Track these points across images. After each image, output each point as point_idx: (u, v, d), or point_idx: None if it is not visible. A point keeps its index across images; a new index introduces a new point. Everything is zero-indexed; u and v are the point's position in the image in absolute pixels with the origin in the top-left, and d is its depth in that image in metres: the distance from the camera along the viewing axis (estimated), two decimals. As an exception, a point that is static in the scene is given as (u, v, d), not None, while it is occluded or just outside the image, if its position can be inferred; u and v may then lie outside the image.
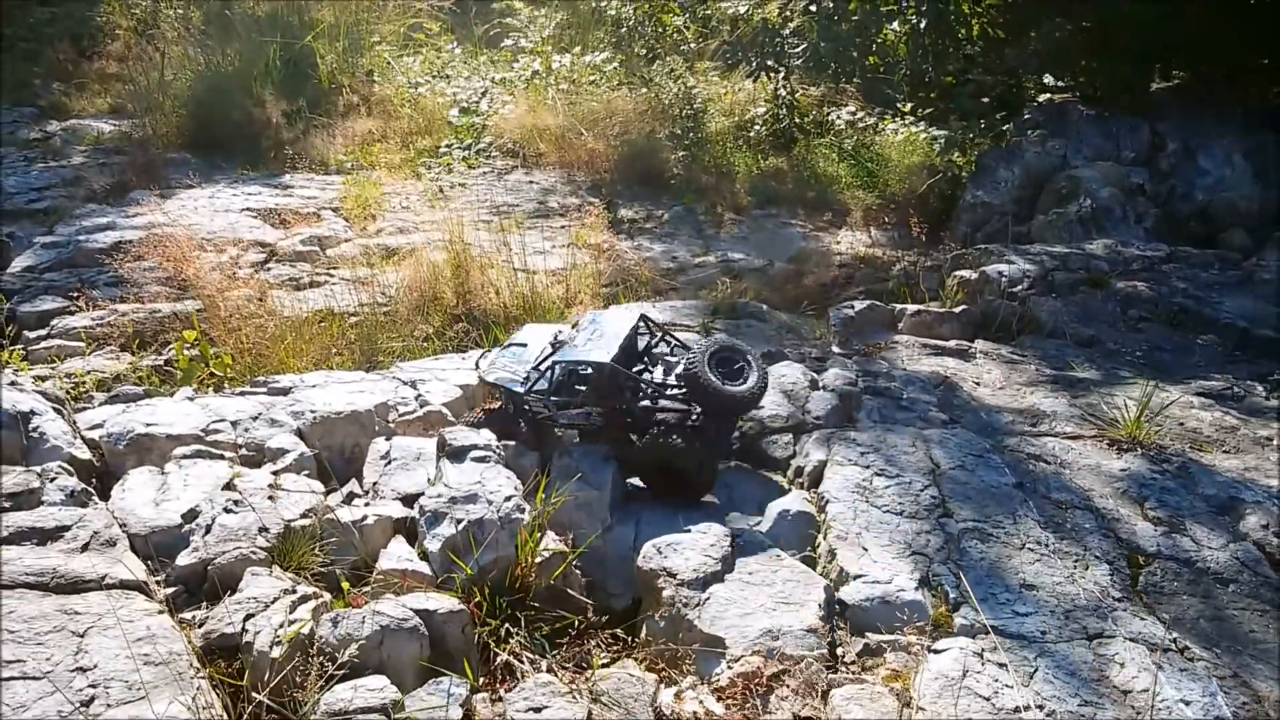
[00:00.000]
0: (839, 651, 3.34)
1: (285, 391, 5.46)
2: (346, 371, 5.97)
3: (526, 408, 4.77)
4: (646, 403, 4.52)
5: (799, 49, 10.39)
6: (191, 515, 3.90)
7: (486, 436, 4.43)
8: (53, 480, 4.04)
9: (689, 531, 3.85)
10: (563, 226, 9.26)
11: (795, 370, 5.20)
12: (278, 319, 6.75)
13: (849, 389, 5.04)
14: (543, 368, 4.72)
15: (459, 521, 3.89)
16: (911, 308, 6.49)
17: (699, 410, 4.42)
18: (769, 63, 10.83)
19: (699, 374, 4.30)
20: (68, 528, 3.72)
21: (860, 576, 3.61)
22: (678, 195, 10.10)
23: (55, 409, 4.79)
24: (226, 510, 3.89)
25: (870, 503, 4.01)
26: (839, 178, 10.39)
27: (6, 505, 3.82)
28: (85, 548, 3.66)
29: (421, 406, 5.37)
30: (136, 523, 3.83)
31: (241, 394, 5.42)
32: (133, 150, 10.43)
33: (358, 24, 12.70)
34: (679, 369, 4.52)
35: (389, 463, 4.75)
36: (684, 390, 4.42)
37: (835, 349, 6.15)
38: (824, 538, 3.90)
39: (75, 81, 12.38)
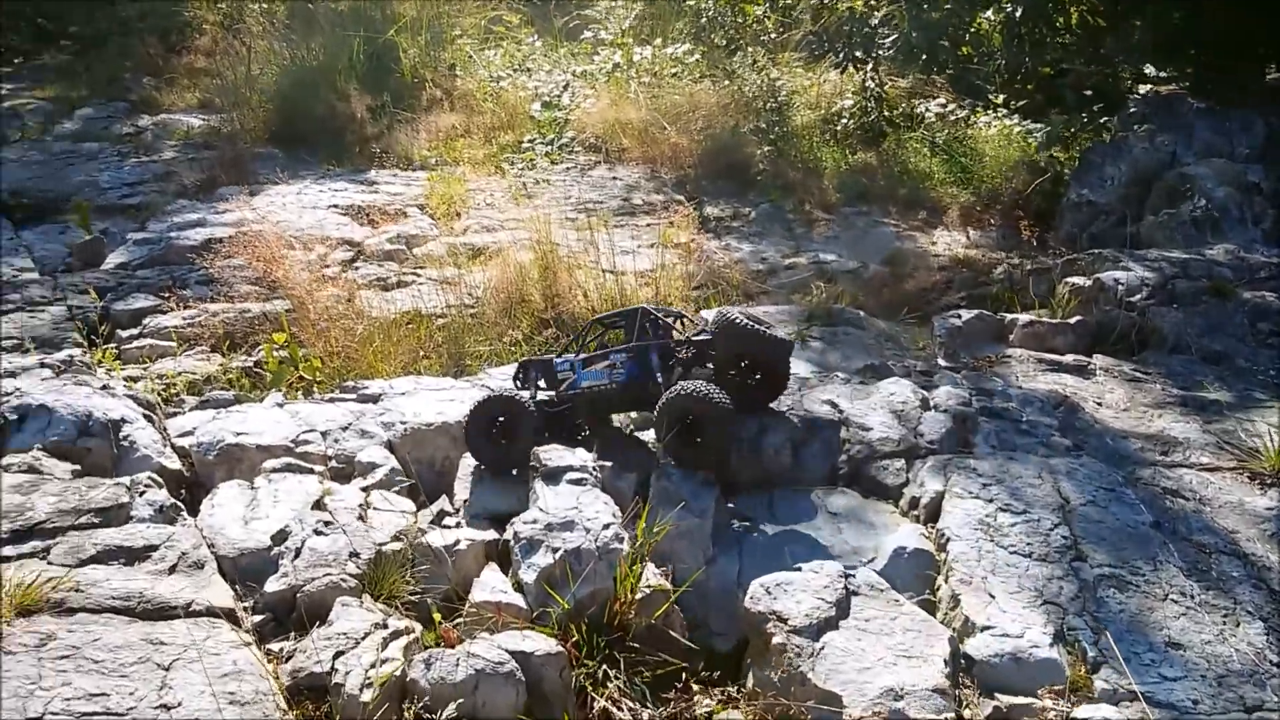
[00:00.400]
0: (966, 715, 3.05)
1: (375, 399, 5.31)
2: (435, 377, 5.80)
3: (557, 374, 4.63)
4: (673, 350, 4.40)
5: (889, 39, 9.98)
6: (281, 536, 3.74)
7: (583, 457, 4.20)
8: (141, 494, 3.91)
9: (799, 570, 3.57)
10: (648, 225, 9.01)
11: (904, 388, 4.87)
12: (366, 320, 6.62)
13: (963, 410, 4.70)
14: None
15: (555, 551, 3.67)
16: (1023, 318, 6.10)
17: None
18: (856, 54, 10.45)
19: (734, 318, 4.23)
20: (155, 547, 3.59)
21: (988, 628, 3.31)
22: (764, 192, 9.77)
23: (146, 415, 4.69)
24: (317, 532, 3.72)
25: (995, 542, 3.69)
26: (931, 174, 9.96)
27: (95, 521, 3.70)
28: (173, 569, 3.52)
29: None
30: (225, 543, 3.69)
31: (331, 400, 5.27)
32: (221, 145, 10.43)
33: (439, 17, 12.57)
34: (714, 324, 4.40)
35: (480, 479, 4.55)
36: (713, 337, 4.34)
37: (941, 362, 5.80)
38: (945, 580, 3.59)
39: (165, 77, 12.45)
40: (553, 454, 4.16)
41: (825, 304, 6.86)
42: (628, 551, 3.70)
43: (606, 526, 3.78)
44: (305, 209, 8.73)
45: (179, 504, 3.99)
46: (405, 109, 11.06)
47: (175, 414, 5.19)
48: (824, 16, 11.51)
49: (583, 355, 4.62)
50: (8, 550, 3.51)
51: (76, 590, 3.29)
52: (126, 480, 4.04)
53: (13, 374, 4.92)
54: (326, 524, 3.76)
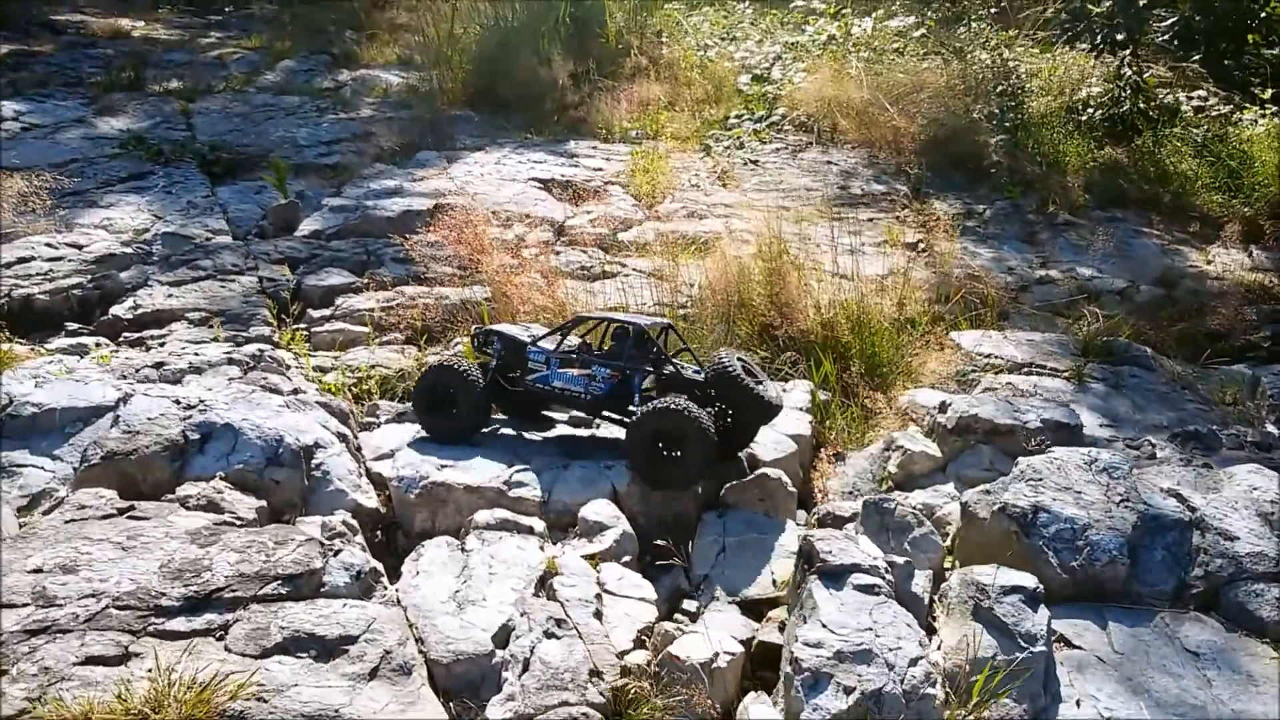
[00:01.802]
0: None
1: (589, 424, 4.46)
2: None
3: (529, 361, 4.23)
4: (668, 370, 4.14)
5: (1166, 22, 8.45)
6: (503, 636, 2.89)
7: (869, 550, 3.20)
8: (336, 553, 3.13)
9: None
10: (870, 219, 7.86)
11: (1271, 482, 3.68)
12: (569, 314, 5.76)
13: (1362, 521, 3.50)
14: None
15: (848, 691, 2.71)
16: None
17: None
18: (1117, 36, 8.96)
19: (728, 367, 3.94)
20: (353, 639, 2.79)
21: None
22: (999, 187, 8.47)
23: (340, 435, 3.94)
24: (548, 634, 2.86)
25: None
26: (1195, 177, 8.44)
27: (283, 591, 2.94)
28: (374, 673, 2.72)
29: (751, 468, 4.23)
30: (437, 640, 2.86)
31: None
32: (418, 105, 9.78)
33: (648, -22, 11.59)
34: (710, 366, 4.09)
35: (722, 549, 3.63)
36: (708, 384, 4.01)
37: (1273, 428, 4.55)
38: None
39: (367, 32, 11.90)
40: (831, 543, 3.18)
41: (1102, 335, 5.65)
42: (940, 696, 2.72)
43: (914, 662, 2.79)
44: (504, 181, 7.94)
45: (378, 568, 3.21)
46: (607, 76, 10.15)
47: (370, 424, 4.45)
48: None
49: (559, 350, 4.27)
50: (180, 623, 2.78)
51: (259, 699, 2.52)
52: (318, 532, 3.28)
53: (198, 370, 4.25)
54: (559, 623, 2.89)
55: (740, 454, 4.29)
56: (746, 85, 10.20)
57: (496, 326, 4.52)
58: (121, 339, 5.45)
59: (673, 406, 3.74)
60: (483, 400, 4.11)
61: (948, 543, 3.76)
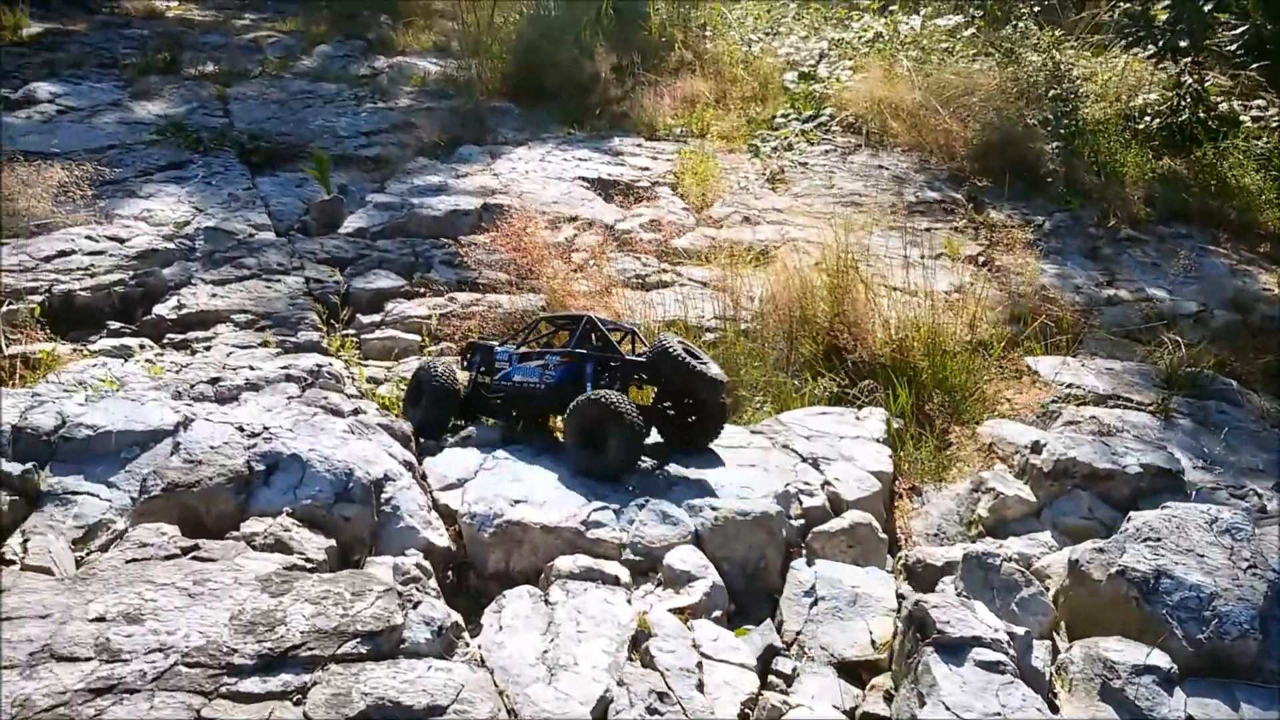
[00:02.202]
0: None
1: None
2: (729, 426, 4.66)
3: (495, 362, 4.46)
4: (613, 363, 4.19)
5: (1235, 31, 8.13)
6: (602, 709, 2.65)
7: (989, 621, 2.95)
8: (415, 606, 2.90)
9: None
10: (926, 228, 7.57)
11: None
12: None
13: None
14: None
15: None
16: None
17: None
18: (1180, 43, 8.63)
19: (669, 348, 3.97)
20: (442, 709, 2.55)
21: None
22: (1057, 198, 8.18)
23: (407, 464, 3.70)
24: (650, 710, 2.62)
25: None
26: (1258, 192, 8.13)
27: (363, 650, 2.70)
28: (465, 751, 2.49)
29: (834, 508, 3.99)
30: (532, 715, 2.61)
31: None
32: (457, 95, 9.52)
33: (691, -31, 11.26)
34: (650, 349, 4.13)
35: (814, 602, 3.40)
36: (649, 365, 4.06)
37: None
38: None
39: (403, 19, 11.61)
40: (949, 612, 2.93)
41: (1185, 366, 5.37)
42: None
43: (1052, 756, 2.55)
44: (550, 179, 7.68)
45: (459, 621, 2.97)
46: (650, 70, 9.86)
47: (433, 447, 4.21)
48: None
49: (522, 349, 4.50)
50: (254, 684, 2.55)
51: (345, 784, 2.29)
52: (391, 576, 3.06)
53: (255, 387, 4.02)
54: (661, 697, 2.65)
55: (711, 444, 4.26)
56: (792, 83, 9.90)
57: (475, 340, 4.76)
58: (165, 340, 5.22)
59: (594, 398, 3.80)
60: (446, 400, 4.29)
61: (1048, 597, 3.51)
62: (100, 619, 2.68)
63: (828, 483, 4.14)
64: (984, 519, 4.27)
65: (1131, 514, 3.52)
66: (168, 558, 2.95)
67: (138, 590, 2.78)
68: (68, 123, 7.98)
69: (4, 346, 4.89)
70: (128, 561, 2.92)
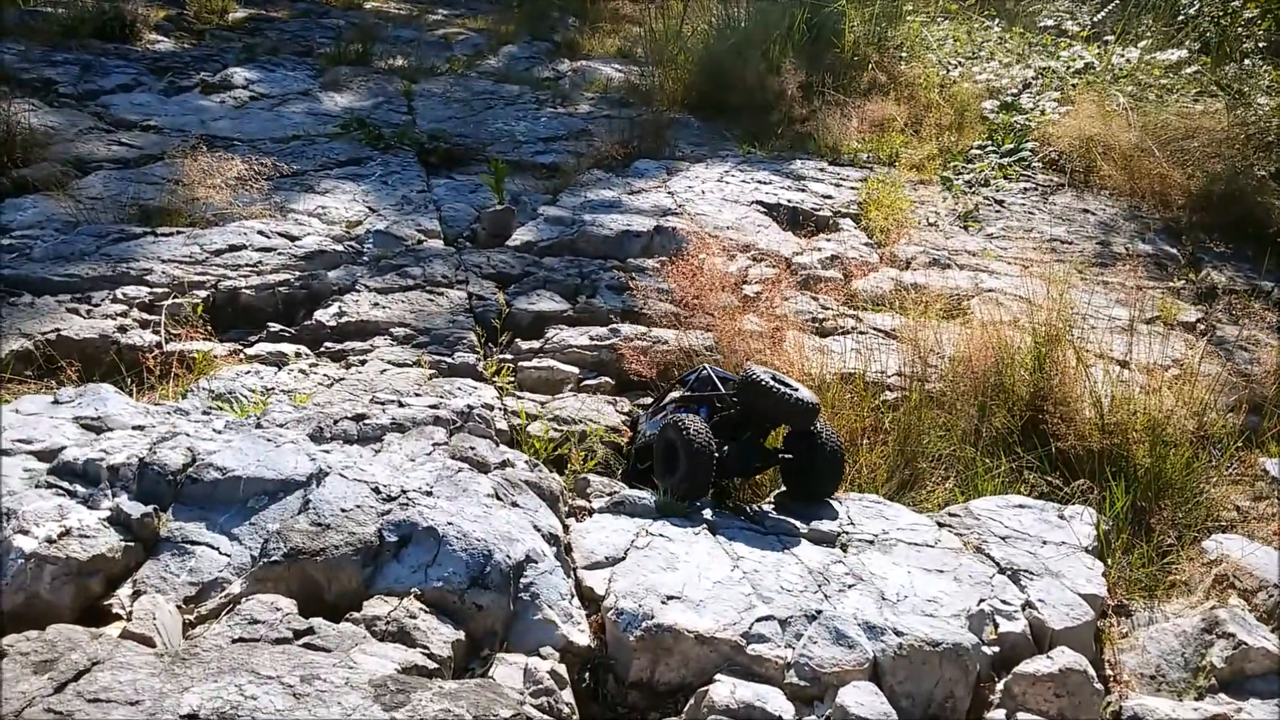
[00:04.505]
0: None
1: (832, 540, 3.60)
2: (904, 509, 3.99)
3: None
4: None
5: None
6: None
7: None
8: (547, 737, 2.38)
9: None
10: (1139, 287, 6.60)
11: None
12: (798, 375, 4.86)
13: None
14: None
15: None
16: None
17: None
18: None
19: (753, 375, 3.70)
20: None
21: None
22: (1290, 262, 7.06)
23: (550, 536, 3.20)
24: None
25: None
26: None
27: (480, 798, 2.20)
28: None
29: (1036, 637, 3.27)
30: None
31: (772, 532, 3.60)
32: (638, 104, 9.04)
33: (894, -12, 10.43)
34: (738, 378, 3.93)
35: (1020, 772, 2.70)
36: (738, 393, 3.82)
37: None
38: None
39: (591, 21, 11.24)
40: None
41: None
42: None
43: None
44: (726, 202, 7.09)
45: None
46: (839, 90, 9.13)
47: (580, 510, 3.71)
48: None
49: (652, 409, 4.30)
50: (352, 830, 2.08)
51: None
52: (521, 680, 2.56)
53: (400, 428, 3.59)
54: None
55: (830, 499, 3.85)
56: (992, 112, 8.98)
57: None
58: (322, 350, 4.91)
59: (670, 421, 3.65)
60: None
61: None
62: (192, 716, 2.27)
63: (1029, 604, 3.41)
64: (1217, 669, 3.43)
65: None
66: (278, 641, 2.52)
67: (239, 683, 2.36)
68: (257, 109, 7.90)
69: (164, 343, 4.68)
70: (234, 641, 2.51)
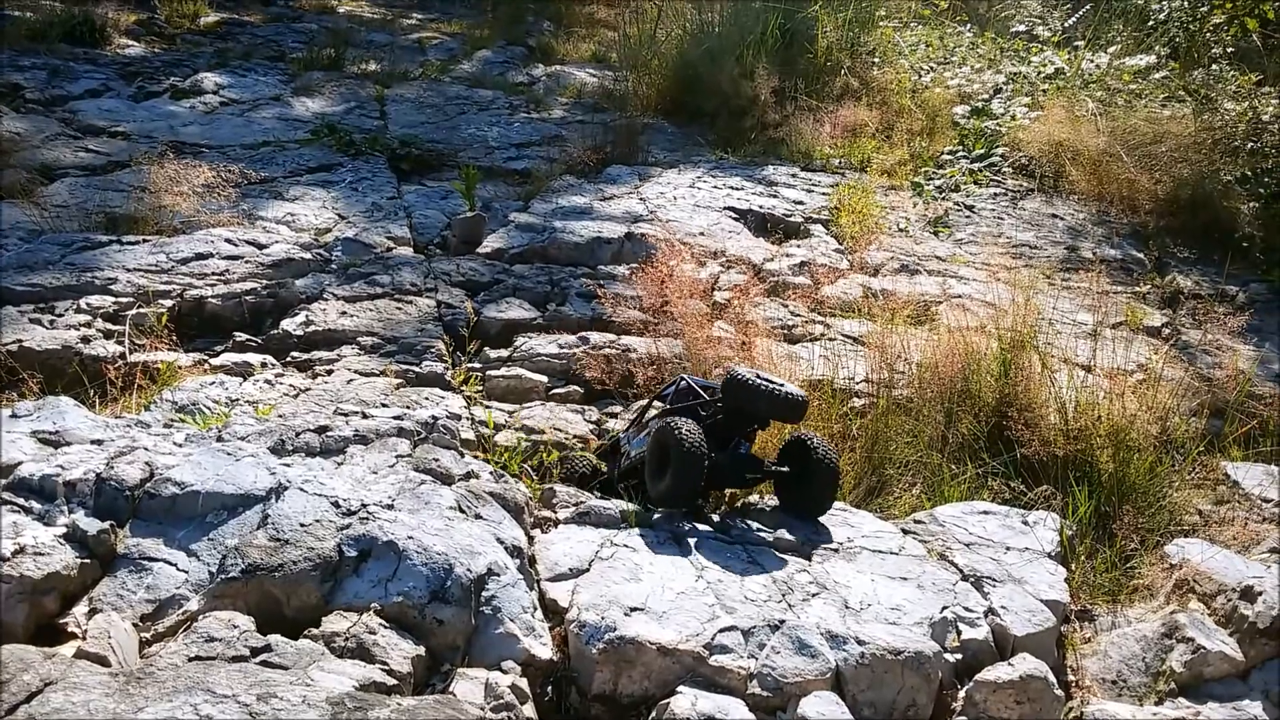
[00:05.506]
0: None
1: (797, 549, 3.61)
2: (869, 516, 4.01)
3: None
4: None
5: None
6: None
7: None
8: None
9: None
10: (1105, 291, 6.66)
11: None
12: (766, 384, 4.86)
13: None
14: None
15: None
16: None
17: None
18: None
19: (736, 374, 3.65)
20: None
21: None
22: (1255, 266, 7.15)
23: (514, 549, 3.19)
24: None
25: None
26: None
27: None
28: None
29: (998, 643, 3.29)
30: None
31: (737, 541, 3.61)
32: (611, 109, 9.04)
33: (865, -5, 10.46)
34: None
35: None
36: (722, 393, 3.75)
37: None
38: None
39: (565, 25, 11.23)
40: None
41: None
42: None
43: None
44: (698, 208, 7.10)
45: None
46: (812, 95, 9.16)
47: (546, 520, 3.70)
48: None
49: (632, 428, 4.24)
50: None
51: None
52: (481, 695, 2.55)
53: (364, 439, 3.57)
54: None
55: (820, 518, 3.81)
56: (963, 117, 9.04)
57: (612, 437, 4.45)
58: (289, 359, 4.87)
59: (662, 424, 3.60)
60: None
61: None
62: (146, 737, 2.25)
63: (992, 610, 3.43)
64: (1177, 674, 3.47)
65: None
66: (235, 659, 2.50)
67: (194, 702, 2.34)
68: (228, 115, 7.85)
69: (128, 353, 4.64)
70: (191, 659, 2.49)
